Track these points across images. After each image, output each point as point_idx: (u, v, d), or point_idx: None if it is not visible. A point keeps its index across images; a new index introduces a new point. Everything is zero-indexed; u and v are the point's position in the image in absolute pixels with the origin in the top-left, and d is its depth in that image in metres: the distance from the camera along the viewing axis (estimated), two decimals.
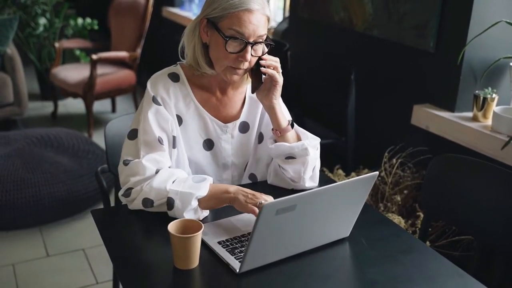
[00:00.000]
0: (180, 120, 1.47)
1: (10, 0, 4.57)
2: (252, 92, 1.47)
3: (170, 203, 1.31)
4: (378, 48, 2.56)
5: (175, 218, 1.26)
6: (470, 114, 2.13)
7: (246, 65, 1.38)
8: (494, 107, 2.02)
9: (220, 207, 1.36)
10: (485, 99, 2.03)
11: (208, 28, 1.38)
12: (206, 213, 1.37)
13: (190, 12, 4.55)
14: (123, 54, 4.21)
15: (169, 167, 1.41)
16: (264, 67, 1.41)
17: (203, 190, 1.32)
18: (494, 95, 2.03)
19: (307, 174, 1.49)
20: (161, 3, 4.91)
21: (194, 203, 1.31)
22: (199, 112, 1.48)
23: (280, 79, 1.43)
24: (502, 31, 2.00)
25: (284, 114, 1.49)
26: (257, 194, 1.31)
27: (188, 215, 1.31)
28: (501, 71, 2.12)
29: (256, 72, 1.43)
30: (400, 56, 2.43)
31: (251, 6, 1.32)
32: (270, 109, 1.47)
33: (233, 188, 1.34)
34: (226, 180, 1.56)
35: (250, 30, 1.33)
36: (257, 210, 1.26)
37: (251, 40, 1.34)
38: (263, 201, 1.27)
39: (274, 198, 1.25)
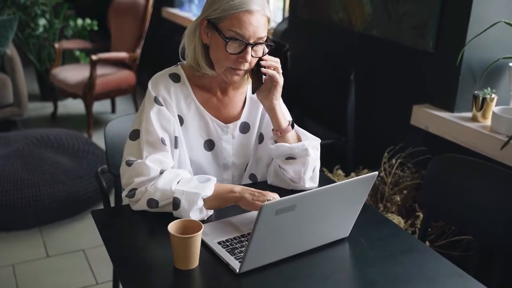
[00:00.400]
0: (181, 120, 1.47)
1: (9, 1, 4.57)
2: (253, 93, 1.47)
3: (176, 203, 1.32)
4: (378, 48, 2.56)
5: (176, 218, 1.26)
6: (469, 114, 2.13)
7: (246, 66, 1.38)
8: (493, 107, 2.02)
9: (224, 206, 1.36)
10: (484, 99, 2.03)
11: (209, 29, 1.38)
12: (210, 212, 1.38)
13: (189, 12, 4.55)
14: (122, 54, 4.21)
15: (172, 167, 1.41)
16: (265, 67, 1.41)
17: (209, 189, 1.33)
18: (493, 95, 2.03)
19: (307, 175, 1.49)
20: (161, 3, 4.91)
21: (200, 203, 1.32)
22: (200, 112, 1.48)
23: (280, 79, 1.43)
24: (501, 32, 2.00)
25: (284, 115, 1.50)
26: (263, 191, 1.32)
27: (194, 214, 1.32)
28: (500, 71, 2.12)
29: (256, 72, 1.43)
30: (399, 56, 2.43)
31: (251, 7, 1.32)
32: (271, 110, 1.47)
33: (238, 187, 1.35)
34: (226, 181, 1.56)
35: (250, 31, 1.33)
36: None
37: (251, 41, 1.34)
38: (271, 198, 1.28)
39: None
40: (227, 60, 1.37)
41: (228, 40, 1.33)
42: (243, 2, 1.32)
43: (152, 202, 1.35)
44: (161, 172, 1.37)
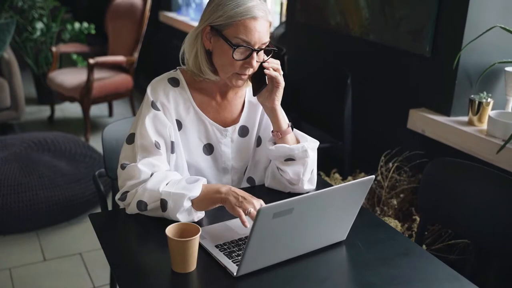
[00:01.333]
0: (180, 125, 1.47)
1: (7, 5, 4.57)
2: (254, 95, 1.47)
3: (163, 204, 1.32)
4: (375, 53, 2.57)
5: (172, 221, 1.26)
6: (465, 118, 2.14)
7: (251, 71, 1.39)
8: (489, 111, 2.03)
9: (213, 207, 1.35)
10: (480, 103, 2.04)
11: (212, 35, 1.39)
12: (201, 214, 1.37)
13: (187, 16, 4.56)
14: (120, 58, 4.21)
15: (167, 171, 1.41)
16: (266, 70, 1.42)
17: (196, 190, 1.32)
18: (489, 100, 2.05)
19: (306, 176, 1.50)
20: (158, 7, 4.92)
21: (187, 204, 1.31)
22: (198, 116, 1.49)
23: (282, 81, 1.44)
24: (497, 36, 2.01)
25: (284, 117, 1.51)
26: (248, 197, 1.30)
27: (182, 216, 1.31)
28: (496, 75, 2.13)
29: (258, 75, 1.44)
30: (396, 60, 2.44)
31: (256, 14, 1.33)
32: (272, 111, 1.48)
33: (224, 188, 1.33)
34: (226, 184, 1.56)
35: (256, 38, 1.34)
36: (244, 216, 1.26)
37: (256, 47, 1.36)
38: (251, 210, 1.27)
39: (271, 202, 1.25)
40: (232, 66, 1.37)
41: (236, 47, 1.34)
42: (248, 9, 1.33)
43: (141, 204, 1.35)
44: (152, 175, 1.38)
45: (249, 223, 1.26)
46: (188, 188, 1.32)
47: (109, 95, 4.22)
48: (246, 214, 1.27)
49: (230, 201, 1.29)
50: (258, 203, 1.30)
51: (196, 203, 1.34)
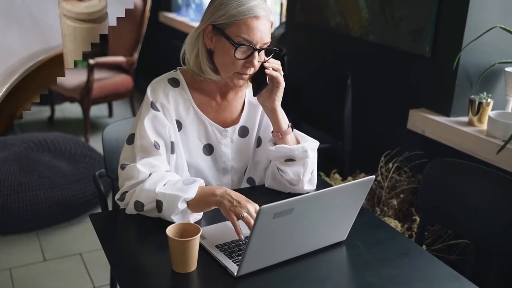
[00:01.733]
0: (179, 125, 1.47)
1: None
2: (254, 95, 1.47)
3: (159, 205, 1.32)
4: (374, 53, 2.58)
5: (172, 222, 1.26)
6: (465, 119, 2.14)
7: (252, 70, 1.40)
8: (489, 112, 2.03)
9: (209, 209, 1.34)
10: (480, 103, 2.04)
11: (214, 34, 1.39)
12: (197, 216, 1.36)
13: (187, 17, 4.56)
14: (120, 58, 4.21)
15: (166, 172, 1.41)
16: (267, 69, 1.42)
17: (191, 192, 1.31)
18: (489, 100, 2.05)
19: (306, 177, 1.50)
20: (158, 8, 4.93)
21: (181, 206, 1.30)
22: (198, 117, 1.49)
23: (282, 81, 1.44)
24: (497, 37, 2.02)
25: (285, 117, 1.51)
26: (243, 201, 1.28)
27: (176, 218, 1.31)
28: (496, 76, 2.13)
29: (258, 75, 1.44)
30: (396, 60, 2.44)
31: (258, 13, 1.34)
32: (273, 111, 1.48)
33: (220, 190, 1.31)
34: (225, 185, 1.56)
35: (258, 37, 1.35)
36: (236, 223, 1.25)
37: (257, 46, 1.36)
38: (245, 214, 1.25)
39: (271, 202, 1.25)
40: (233, 65, 1.38)
41: (238, 46, 1.34)
42: (251, 8, 1.33)
43: (138, 205, 1.35)
44: (150, 175, 1.37)
45: (243, 228, 1.26)
46: (183, 189, 1.31)
47: (109, 96, 4.22)
48: (239, 219, 1.26)
49: (225, 205, 1.28)
50: (253, 207, 1.28)
51: (192, 205, 1.33)
